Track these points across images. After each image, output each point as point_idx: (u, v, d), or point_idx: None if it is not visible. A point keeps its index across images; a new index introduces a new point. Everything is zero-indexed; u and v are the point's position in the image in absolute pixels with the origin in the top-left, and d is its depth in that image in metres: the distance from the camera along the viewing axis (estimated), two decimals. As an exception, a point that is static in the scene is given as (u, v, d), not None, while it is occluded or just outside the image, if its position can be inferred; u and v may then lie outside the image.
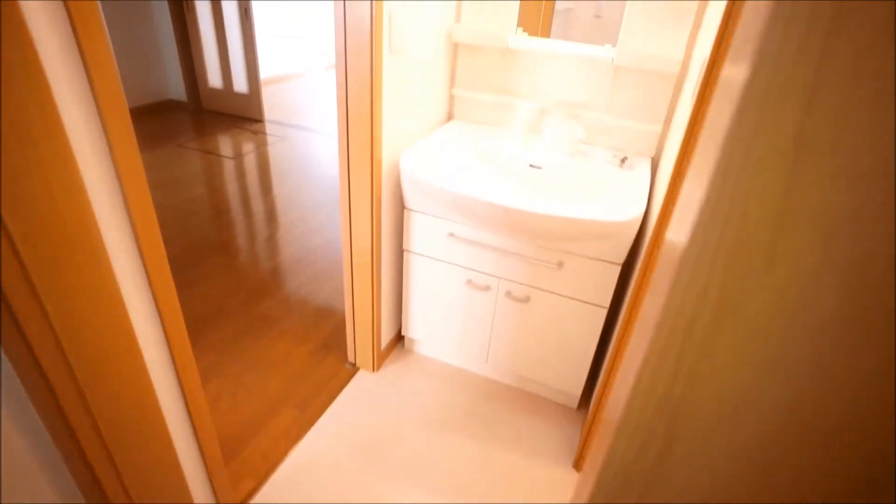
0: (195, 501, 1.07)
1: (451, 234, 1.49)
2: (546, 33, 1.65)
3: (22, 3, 0.55)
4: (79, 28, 0.61)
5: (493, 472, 1.49)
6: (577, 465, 1.52)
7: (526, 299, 1.51)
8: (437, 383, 1.76)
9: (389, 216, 1.57)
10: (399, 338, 1.90)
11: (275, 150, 3.66)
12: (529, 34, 1.63)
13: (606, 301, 1.43)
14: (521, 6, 1.59)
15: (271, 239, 2.55)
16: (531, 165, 1.58)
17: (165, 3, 3.99)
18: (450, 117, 1.79)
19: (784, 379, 0.36)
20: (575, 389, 1.62)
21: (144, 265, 0.80)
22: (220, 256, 2.37)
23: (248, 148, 3.67)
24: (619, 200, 1.34)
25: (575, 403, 1.71)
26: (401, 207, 1.62)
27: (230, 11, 3.90)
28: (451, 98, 1.75)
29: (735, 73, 0.34)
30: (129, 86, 4.06)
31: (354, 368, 1.79)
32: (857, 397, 0.34)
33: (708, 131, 0.39)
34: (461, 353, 1.81)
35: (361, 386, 1.73)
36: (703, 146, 0.39)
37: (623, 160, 1.55)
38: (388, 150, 1.44)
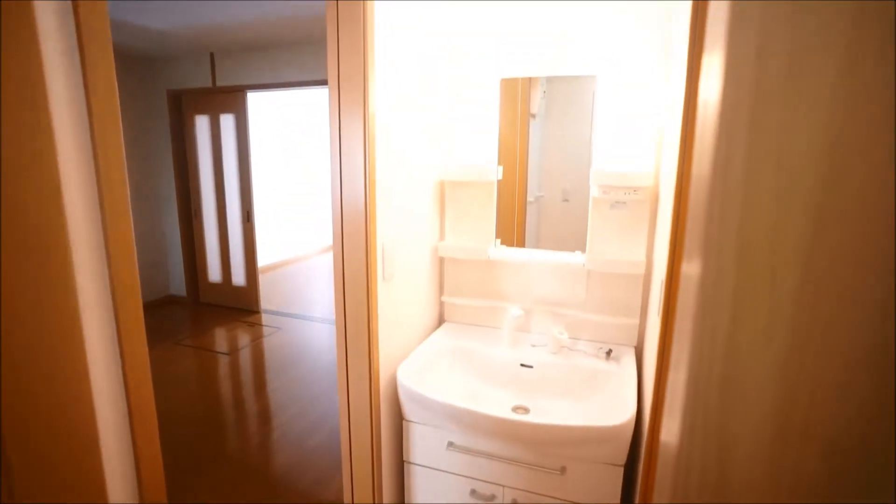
0: None
1: (451, 444, 1.49)
2: (521, 242, 1.86)
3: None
4: (112, 250, 0.72)
5: None
6: None
7: (533, 508, 1.46)
8: None
9: (388, 427, 1.58)
10: (403, 555, 1.77)
11: (271, 342, 3.73)
12: (507, 244, 1.83)
13: (616, 505, 1.38)
14: (497, 218, 1.82)
15: (265, 444, 2.48)
16: (522, 365, 1.65)
17: (175, 209, 4.40)
18: (441, 321, 1.91)
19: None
20: None
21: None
22: (210, 468, 2.28)
23: (244, 341, 3.75)
24: (611, 399, 1.39)
25: None
26: (399, 417, 1.64)
27: (233, 215, 4.29)
28: (442, 304, 1.89)
29: (690, 270, 0.45)
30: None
31: None
32: None
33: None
34: (471, 571, 1.67)
35: None
36: (679, 338, 0.48)
37: (608, 353, 1.63)
38: (385, 361, 1.51)
